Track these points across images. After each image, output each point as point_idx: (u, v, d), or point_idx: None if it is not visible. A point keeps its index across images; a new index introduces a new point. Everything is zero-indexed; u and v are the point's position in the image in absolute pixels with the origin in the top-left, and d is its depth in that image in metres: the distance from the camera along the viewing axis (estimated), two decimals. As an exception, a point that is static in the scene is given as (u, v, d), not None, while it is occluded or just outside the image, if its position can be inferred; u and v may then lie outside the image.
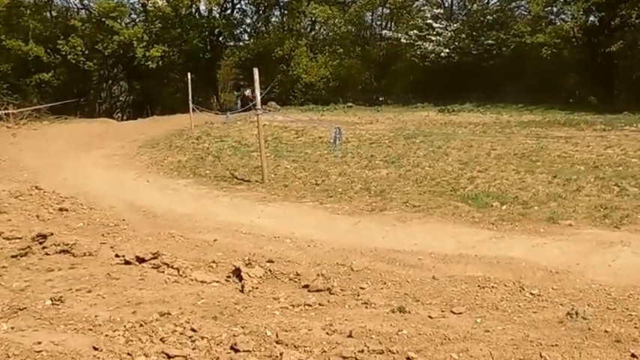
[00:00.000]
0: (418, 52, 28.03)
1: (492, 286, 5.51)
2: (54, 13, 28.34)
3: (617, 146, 12.65)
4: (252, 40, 30.10)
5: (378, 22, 31.32)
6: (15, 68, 24.60)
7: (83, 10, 28.57)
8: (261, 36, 29.66)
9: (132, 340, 4.47)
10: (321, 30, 30.69)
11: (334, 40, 29.66)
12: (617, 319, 4.71)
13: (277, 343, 4.41)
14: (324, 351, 4.29)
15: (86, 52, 25.41)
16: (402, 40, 28.33)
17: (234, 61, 29.94)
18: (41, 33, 25.93)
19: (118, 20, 26.75)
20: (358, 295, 5.49)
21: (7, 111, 21.12)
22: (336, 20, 28.84)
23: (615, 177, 9.68)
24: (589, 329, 4.53)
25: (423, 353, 4.18)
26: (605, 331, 4.48)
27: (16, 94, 23.93)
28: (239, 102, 20.21)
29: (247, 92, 19.12)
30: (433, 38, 27.58)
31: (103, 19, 25.94)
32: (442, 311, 5.02)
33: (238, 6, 30.02)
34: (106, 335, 4.55)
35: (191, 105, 18.80)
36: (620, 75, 24.01)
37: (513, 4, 29.17)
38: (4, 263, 6.46)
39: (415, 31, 27.97)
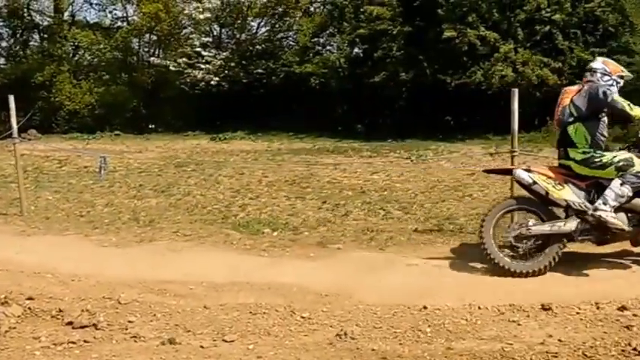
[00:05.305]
0: (188, 80, 27.58)
1: (264, 312, 5.44)
2: None
3: (382, 172, 13.41)
4: (9, 65, 28.21)
5: (146, 49, 30.45)
6: None
7: None
8: (19, 60, 27.86)
9: None
10: (85, 55, 29.35)
11: (99, 66, 28.47)
12: (382, 336, 4.84)
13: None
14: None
15: None
16: (170, 67, 27.68)
17: (-10, 86, 27.80)
18: None
19: None
20: (126, 329, 5.13)
21: None
22: (101, 46, 27.78)
23: (381, 201, 10.25)
24: (357, 348, 4.61)
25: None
26: (372, 349, 4.58)
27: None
28: None
29: None
30: (202, 66, 27.21)
31: None
32: (214, 340, 4.86)
33: (-8, 27, 28.08)
34: None
35: None
36: (384, 104, 25.40)
37: (281, 34, 29.87)
38: None
39: (184, 59, 27.63)
